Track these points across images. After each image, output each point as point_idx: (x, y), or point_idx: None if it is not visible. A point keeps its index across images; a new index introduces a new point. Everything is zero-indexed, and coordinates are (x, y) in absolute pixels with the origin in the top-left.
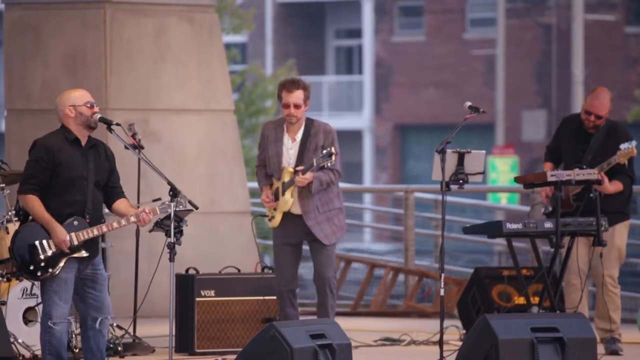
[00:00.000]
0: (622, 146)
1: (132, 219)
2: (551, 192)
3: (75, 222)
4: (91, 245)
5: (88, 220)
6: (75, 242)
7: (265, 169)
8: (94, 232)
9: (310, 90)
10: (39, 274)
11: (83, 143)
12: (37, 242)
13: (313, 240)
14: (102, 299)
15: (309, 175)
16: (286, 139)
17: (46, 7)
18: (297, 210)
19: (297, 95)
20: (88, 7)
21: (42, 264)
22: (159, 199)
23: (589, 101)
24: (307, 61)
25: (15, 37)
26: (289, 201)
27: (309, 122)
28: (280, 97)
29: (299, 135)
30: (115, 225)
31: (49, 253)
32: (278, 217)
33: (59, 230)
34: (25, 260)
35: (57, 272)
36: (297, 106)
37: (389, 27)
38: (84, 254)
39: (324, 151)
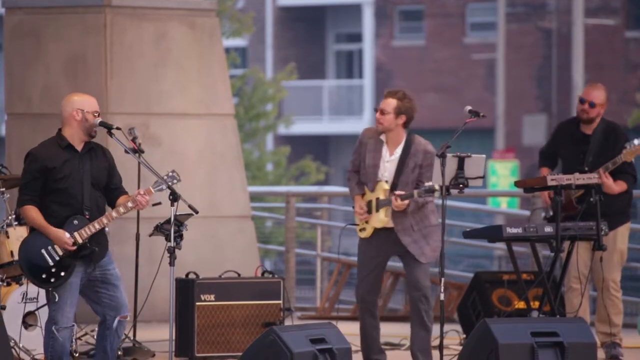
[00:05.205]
0: (628, 144)
1: (130, 204)
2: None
3: (75, 222)
4: (99, 241)
5: (87, 217)
6: (80, 240)
7: (358, 175)
8: (95, 226)
9: (409, 106)
10: (52, 280)
11: (79, 149)
12: (43, 250)
13: (405, 254)
14: (117, 298)
15: (406, 201)
16: (385, 150)
17: (47, 11)
18: (390, 225)
19: (389, 102)
20: (89, 11)
21: (53, 270)
22: (159, 203)
23: (585, 90)
24: (307, 65)
25: (15, 41)
26: (384, 220)
27: (410, 139)
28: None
29: (398, 151)
30: (114, 214)
31: (57, 258)
32: (370, 230)
33: (56, 232)
34: (36, 269)
35: (69, 276)
36: (382, 112)
37: (389, 31)
38: (95, 250)
39: (427, 185)
